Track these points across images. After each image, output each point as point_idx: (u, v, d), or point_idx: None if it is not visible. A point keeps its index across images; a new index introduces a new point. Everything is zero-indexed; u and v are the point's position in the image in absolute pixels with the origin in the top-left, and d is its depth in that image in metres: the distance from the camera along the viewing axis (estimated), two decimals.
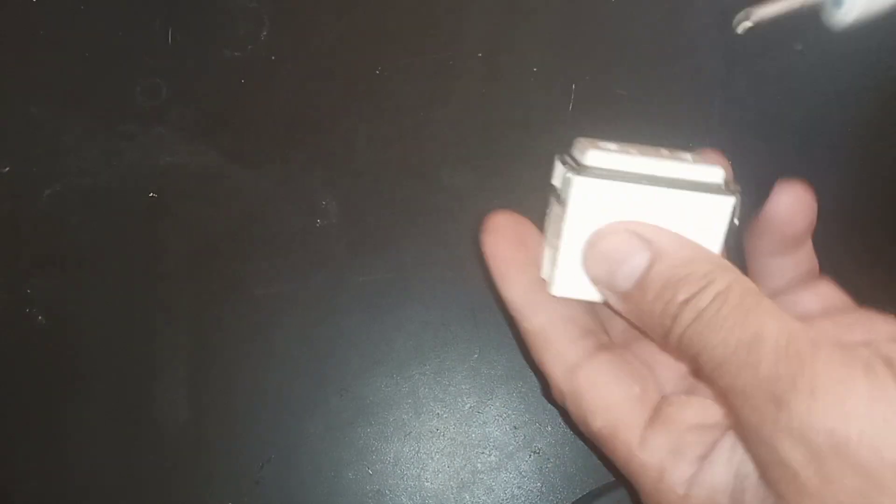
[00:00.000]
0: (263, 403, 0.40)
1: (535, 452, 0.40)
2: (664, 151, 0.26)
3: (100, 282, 0.42)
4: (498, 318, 0.41)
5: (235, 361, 0.41)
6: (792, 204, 0.27)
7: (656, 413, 0.26)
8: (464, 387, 0.40)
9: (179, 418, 0.40)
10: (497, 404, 0.40)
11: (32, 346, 0.41)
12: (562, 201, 0.26)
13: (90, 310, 0.41)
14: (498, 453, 0.40)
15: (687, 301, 0.23)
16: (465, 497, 0.39)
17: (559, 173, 0.26)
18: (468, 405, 0.40)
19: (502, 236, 0.29)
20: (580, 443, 0.40)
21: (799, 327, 0.22)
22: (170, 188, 0.42)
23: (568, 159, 0.26)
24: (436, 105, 0.43)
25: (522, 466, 0.40)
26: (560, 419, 0.40)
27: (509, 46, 0.44)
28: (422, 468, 0.40)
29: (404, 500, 0.40)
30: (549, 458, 0.40)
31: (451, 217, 0.42)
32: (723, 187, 0.25)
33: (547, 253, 0.27)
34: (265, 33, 0.44)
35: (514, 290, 0.28)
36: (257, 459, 0.40)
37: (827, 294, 0.29)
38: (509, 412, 0.40)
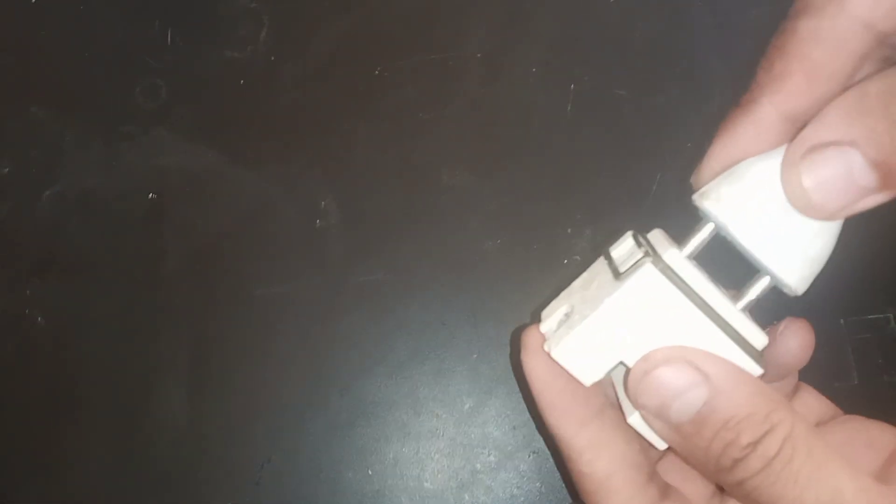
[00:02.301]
0: (263, 404, 0.40)
1: (534, 452, 0.40)
2: (723, 293, 0.26)
3: (99, 283, 0.42)
4: (497, 318, 0.41)
5: (236, 362, 0.41)
6: (799, 346, 0.27)
7: None
8: (463, 387, 0.40)
9: (180, 419, 0.40)
10: (496, 404, 0.40)
11: (32, 347, 0.41)
12: (618, 276, 0.25)
13: (90, 311, 0.41)
14: (497, 453, 0.40)
15: (752, 445, 0.22)
16: (464, 497, 0.39)
17: (627, 248, 0.26)
18: (467, 405, 0.40)
19: (547, 358, 0.26)
20: None
21: (873, 486, 0.22)
22: (170, 189, 0.42)
23: (643, 242, 0.25)
24: (435, 105, 0.43)
25: (521, 466, 0.40)
26: None
27: (508, 47, 0.44)
28: (421, 468, 0.40)
29: (404, 500, 0.40)
30: (548, 458, 0.40)
31: (450, 217, 0.42)
32: (759, 355, 0.25)
33: (562, 309, 0.26)
34: (265, 34, 0.44)
35: (570, 426, 0.26)
36: (257, 460, 0.40)
37: (812, 405, 0.30)
38: (508, 412, 0.40)
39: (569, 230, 0.41)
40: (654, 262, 0.24)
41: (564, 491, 0.39)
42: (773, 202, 0.24)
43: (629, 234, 0.26)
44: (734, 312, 0.25)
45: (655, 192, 0.41)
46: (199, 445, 0.40)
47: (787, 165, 0.23)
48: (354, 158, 0.43)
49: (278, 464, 0.40)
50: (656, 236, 0.26)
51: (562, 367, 0.25)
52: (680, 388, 0.23)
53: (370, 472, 0.40)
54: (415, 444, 0.40)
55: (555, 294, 0.28)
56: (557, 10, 0.44)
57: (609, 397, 0.27)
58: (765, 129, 0.25)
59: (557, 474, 0.40)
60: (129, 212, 0.42)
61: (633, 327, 0.24)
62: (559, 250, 0.41)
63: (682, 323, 0.24)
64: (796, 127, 0.24)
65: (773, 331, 0.27)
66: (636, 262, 0.24)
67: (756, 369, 0.24)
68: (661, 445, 0.25)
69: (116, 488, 0.40)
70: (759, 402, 0.23)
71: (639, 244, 0.25)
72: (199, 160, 0.43)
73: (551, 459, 0.40)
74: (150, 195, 0.42)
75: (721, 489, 0.28)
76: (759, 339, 0.25)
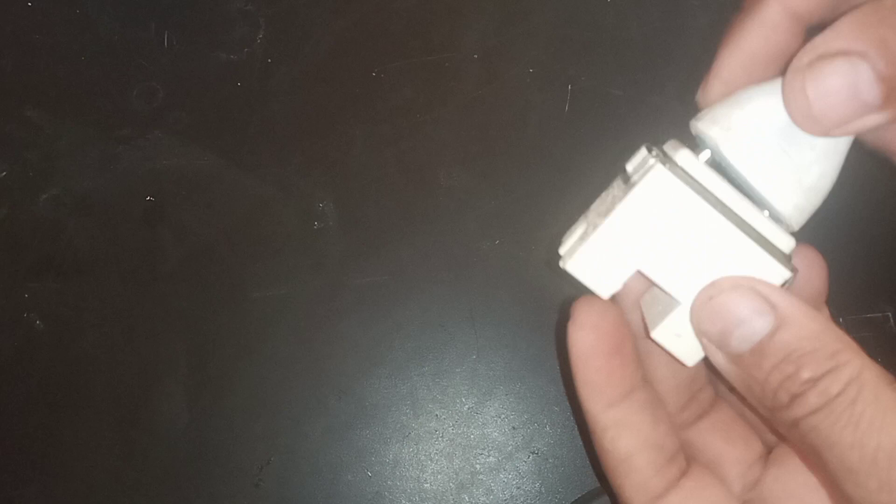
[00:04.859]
0: (262, 406, 0.40)
1: (533, 453, 0.40)
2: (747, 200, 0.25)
3: (97, 285, 0.42)
4: (496, 319, 0.41)
5: (234, 364, 0.41)
6: (809, 271, 0.26)
7: None
8: (462, 388, 0.40)
9: (178, 421, 0.40)
10: (496, 405, 0.40)
11: (30, 350, 0.41)
12: (629, 184, 0.24)
13: (88, 314, 0.41)
14: (497, 454, 0.40)
15: (813, 381, 0.21)
16: (464, 498, 0.40)
17: (640, 158, 0.25)
18: (467, 406, 0.40)
19: (597, 336, 0.25)
20: (578, 443, 0.40)
21: None
22: (166, 191, 0.42)
23: (656, 151, 0.24)
24: (432, 107, 0.43)
25: (521, 467, 0.40)
26: (558, 420, 0.40)
27: (505, 48, 0.44)
28: (421, 469, 0.40)
29: (403, 501, 0.40)
30: (547, 459, 0.40)
31: (448, 218, 0.42)
32: (787, 258, 0.24)
33: (580, 227, 0.25)
34: (261, 36, 0.44)
35: (600, 404, 0.25)
36: (256, 462, 0.40)
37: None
38: (508, 413, 0.40)
39: (567, 230, 0.41)
40: (663, 163, 0.23)
41: (564, 492, 0.40)
42: (771, 127, 0.23)
43: (644, 145, 0.25)
44: (757, 215, 0.24)
45: None
46: (199, 447, 0.40)
47: (791, 72, 0.22)
48: (352, 160, 0.43)
49: (277, 465, 0.40)
50: (672, 144, 0.25)
51: (576, 279, 0.25)
52: (745, 315, 0.23)
53: (369, 474, 0.40)
54: (414, 446, 0.40)
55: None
56: (554, 10, 0.44)
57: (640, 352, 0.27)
58: (772, 30, 0.24)
59: (557, 475, 0.40)
60: (126, 214, 0.42)
61: (648, 234, 0.23)
62: (558, 250, 0.41)
63: (700, 226, 0.23)
64: (804, 29, 0.23)
65: None
66: (647, 165, 0.23)
67: (784, 273, 0.23)
68: (690, 361, 0.25)
69: (115, 490, 0.40)
70: (826, 339, 0.22)
71: (650, 151, 0.24)
72: (197, 162, 0.43)
73: (551, 460, 0.40)
74: (148, 197, 0.42)
75: (768, 452, 0.28)
76: (785, 241, 0.24)
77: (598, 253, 0.24)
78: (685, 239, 0.23)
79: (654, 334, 0.25)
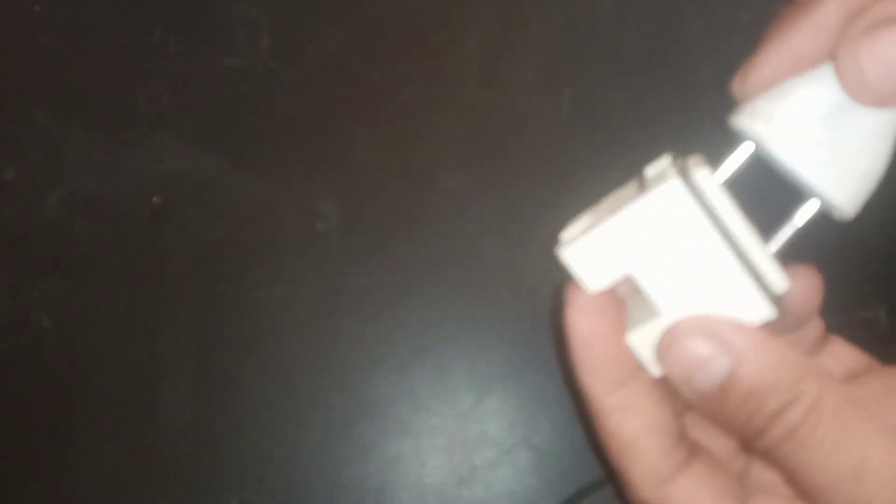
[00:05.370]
0: (266, 403, 0.40)
1: (532, 448, 0.40)
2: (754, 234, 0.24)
3: (103, 286, 0.42)
4: (495, 316, 0.41)
5: (238, 363, 0.41)
6: (805, 291, 0.26)
7: None
8: (462, 385, 0.41)
9: (184, 419, 0.40)
10: (495, 402, 0.40)
11: (37, 350, 0.41)
12: (644, 187, 0.24)
13: (94, 314, 0.42)
14: (496, 449, 0.40)
15: (776, 414, 0.22)
16: (463, 493, 0.40)
17: (661, 165, 0.24)
18: (466, 403, 0.40)
19: (594, 319, 0.25)
20: (576, 439, 0.40)
21: None
22: (172, 193, 0.43)
23: (678, 163, 0.24)
24: (433, 110, 0.43)
25: (520, 462, 0.40)
26: (556, 416, 0.40)
27: (505, 52, 0.44)
28: (421, 465, 0.40)
29: (404, 496, 0.40)
30: (545, 454, 0.40)
31: (448, 219, 0.42)
32: (778, 299, 0.24)
33: (586, 219, 0.25)
34: (265, 41, 0.44)
35: (602, 387, 0.25)
36: (261, 458, 0.40)
37: (842, 354, 0.28)
38: (507, 409, 0.40)
39: (564, 232, 0.41)
40: (681, 178, 0.23)
41: (561, 486, 0.40)
42: (816, 116, 0.22)
43: (667, 154, 0.25)
44: (759, 248, 0.23)
45: None
46: (204, 444, 0.40)
47: (845, 42, 0.21)
48: (353, 162, 0.43)
49: (281, 462, 0.40)
50: (695, 159, 0.24)
51: (568, 269, 0.24)
52: (703, 359, 0.23)
53: (371, 469, 0.40)
54: (415, 441, 0.40)
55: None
56: (552, 15, 0.44)
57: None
58: (826, 31, 0.23)
59: (554, 470, 0.40)
60: (131, 216, 0.42)
61: (648, 241, 0.23)
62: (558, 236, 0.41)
63: (699, 246, 0.23)
64: None
65: None
66: (664, 174, 0.23)
67: (769, 311, 0.23)
68: (656, 373, 0.24)
69: (121, 488, 0.40)
70: (784, 370, 0.22)
71: (673, 161, 0.24)
72: (201, 165, 0.43)
73: (549, 455, 0.40)
74: (153, 199, 0.43)
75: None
76: (779, 281, 0.24)
77: (595, 248, 0.24)
78: (681, 255, 0.23)
79: (628, 338, 0.25)
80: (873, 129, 0.23)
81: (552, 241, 0.27)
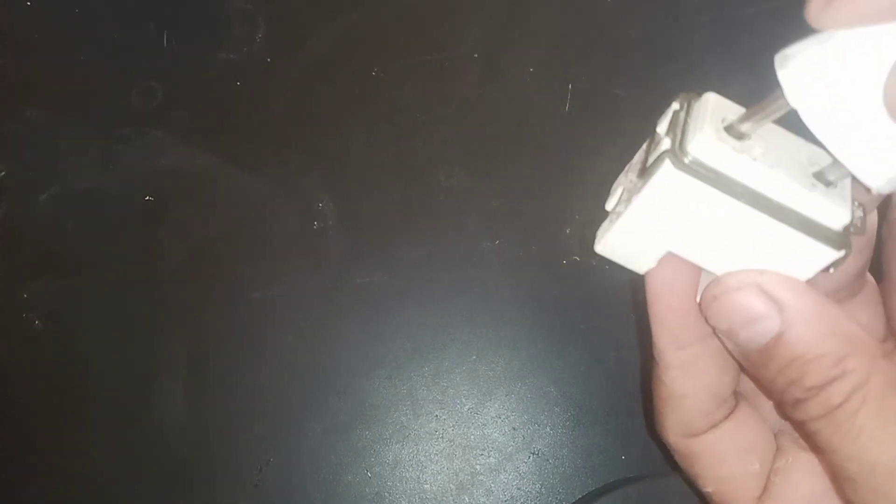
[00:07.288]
0: (262, 406, 0.40)
1: (533, 453, 0.40)
2: (806, 155, 0.22)
3: (97, 285, 0.42)
4: (496, 319, 0.41)
5: (234, 364, 0.41)
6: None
7: (768, 488, 0.25)
8: (462, 388, 0.40)
9: (178, 422, 0.40)
10: (495, 406, 0.40)
11: (29, 350, 0.41)
12: (643, 172, 0.23)
13: (87, 313, 0.41)
14: (497, 455, 0.40)
15: (816, 389, 0.21)
16: (464, 499, 0.39)
17: (665, 125, 0.23)
18: (467, 407, 0.40)
19: (675, 275, 0.24)
20: (579, 444, 0.39)
21: None
22: (166, 191, 0.42)
23: (682, 116, 0.22)
24: (432, 106, 0.43)
25: (521, 467, 0.40)
26: (559, 420, 0.40)
27: (506, 47, 0.44)
28: (421, 470, 0.40)
29: (403, 502, 0.40)
30: (547, 459, 0.40)
31: (448, 218, 0.42)
32: (837, 236, 0.21)
33: (620, 189, 0.24)
34: (260, 36, 0.44)
35: (670, 342, 0.25)
36: (256, 462, 0.40)
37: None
38: (508, 413, 0.40)
39: (567, 230, 0.41)
40: (673, 161, 0.21)
41: (564, 492, 0.40)
42: (864, 82, 0.19)
43: (680, 96, 0.23)
44: (797, 189, 0.21)
45: None
46: (198, 448, 0.40)
47: None
48: (351, 159, 0.43)
49: (277, 466, 0.40)
50: (705, 104, 0.22)
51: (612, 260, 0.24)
52: (750, 317, 0.21)
53: (369, 474, 0.40)
54: (414, 446, 0.40)
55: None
56: (554, 10, 0.44)
57: None
58: None
59: (557, 475, 0.40)
60: (126, 213, 0.42)
61: (672, 221, 0.22)
62: (558, 251, 0.41)
63: (722, 215, 0.21)
64: None
65: None
66: (658, 157, 0.22)
67: (830, 254, 0.21)
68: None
69: (115, 490, 0.40)
70: (833, 343, 0.21)
71: (675, 114, 0.22)
72: (196, 161, 0.43)
73: (551, 461, 0.40)
74: (147, 197, 0.42)
75: None
76: (835, 215, 0.21)
77: (625, 238, 0.23)
78: (709, 226, 0.22)
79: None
80: None
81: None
